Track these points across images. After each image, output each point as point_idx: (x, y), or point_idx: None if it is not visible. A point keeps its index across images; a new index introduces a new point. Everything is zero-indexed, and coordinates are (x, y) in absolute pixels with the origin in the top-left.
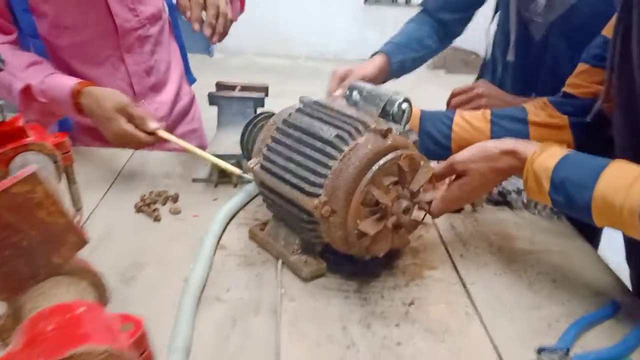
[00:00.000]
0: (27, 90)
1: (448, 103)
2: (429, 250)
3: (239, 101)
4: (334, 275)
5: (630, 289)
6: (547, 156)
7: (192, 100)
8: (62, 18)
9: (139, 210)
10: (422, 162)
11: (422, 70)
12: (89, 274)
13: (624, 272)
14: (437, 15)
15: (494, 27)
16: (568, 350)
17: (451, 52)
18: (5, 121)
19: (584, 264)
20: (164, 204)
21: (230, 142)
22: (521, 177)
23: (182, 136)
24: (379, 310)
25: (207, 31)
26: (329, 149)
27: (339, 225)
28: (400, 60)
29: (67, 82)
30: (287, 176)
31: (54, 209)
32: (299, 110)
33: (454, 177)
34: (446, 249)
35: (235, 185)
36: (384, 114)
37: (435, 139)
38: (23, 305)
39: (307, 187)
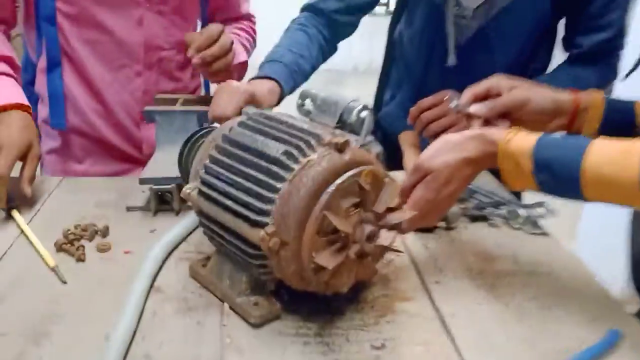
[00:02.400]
0: None
1: (413, 118)
2: (400, 278)
3: (181, 116)
4: (290, 316)
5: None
6: (522, 136)
7: None
8: (92, 9)
9: (59, 249)
10: (386, 179)
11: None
12: None
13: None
14: (333, 16)
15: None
16: None
17: None
18: None
19: (575, 285)
20: (91, 239)
21: (170, 163)
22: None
23: None
24: (344, 357)
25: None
26: (275, 169)
27: (292, 259)
28: (290, 87)
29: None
30: (229, 203)
31: None
32: (241, 124)
33: None
34: (420, 275)
35: (177, 213)
36: (342, 124)
37: None
38: None
39: (251, 216)
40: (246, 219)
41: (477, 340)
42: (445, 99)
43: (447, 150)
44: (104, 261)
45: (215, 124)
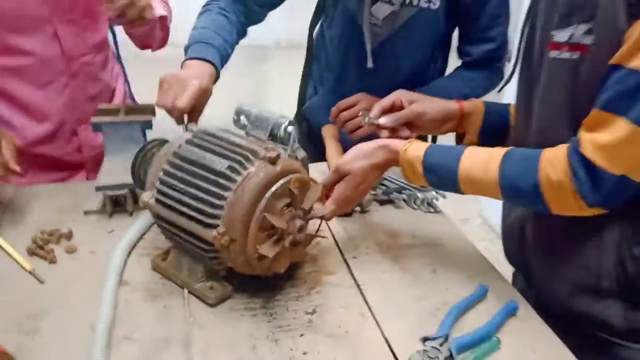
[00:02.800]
0: None
1: (334, 117)
2: (326, 256)
3: (126, 126)
4: (240, 295)
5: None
6: (415, 147)
7: None
8: (7, 38)
9: (32, 253)
10: (311, 182)
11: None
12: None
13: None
14: (250, 5)
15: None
16: (447, 336)
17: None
18: None
19: (459, 252)
20: (57, 242)
21: (121, 170)
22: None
23: None
24: (285, 323)
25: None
26: (222, 181)
27: (240, 251)
28: (220, 70)
29: None
30: (184, 209)
31: None
32: (189, 141)
33: None
34: (341, 252)
35: (131, 214)
36: (272, 136)
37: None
38: None
39: (204, 219)
40: (199, 222)
41: (384, 300)
42: (359, 115)
43: (361, 157)
44: (73, 261)
45: (160, 137)
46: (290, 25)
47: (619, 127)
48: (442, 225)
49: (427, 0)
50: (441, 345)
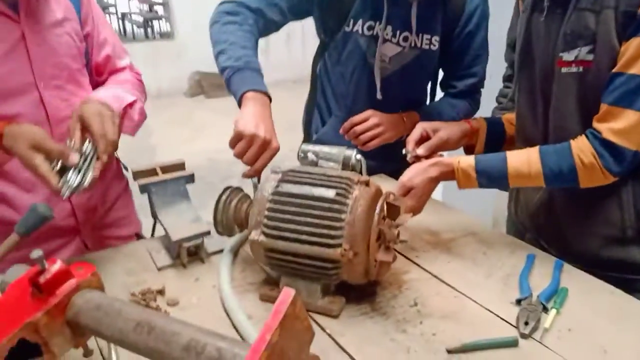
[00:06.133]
0: None
1: (346, 131)
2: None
3: (173, 183)
4: (348, 305)
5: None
6: (465, 159)
7: (126, 186)
8: None
9: None
10: (393, 196)
11: (181, 100)
12: None
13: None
14: (269, 14)
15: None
16: (531, 294)
17: (204, 77)
18: (48, 269)
19: (490, 235)
20: (155, 300)
21: (187, 222)
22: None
23: (115, 223)
24: (401, 317)
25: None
26: (336, 206)
27: (361, 262)
28: None
29: None
30: (304, 237)
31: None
32: (284, 180)
33: None
34: (404, 255)
35: (203, 261)
36: (344, 167)
37: None
38: None
39: (328, 241)
40: (323, 244)
41: (464, 283)
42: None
43: (420, 173)
44: (184, 311)
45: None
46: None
47: (630, 116)
48: (460, 217)
49: (428, 42)
50: (533, 301)
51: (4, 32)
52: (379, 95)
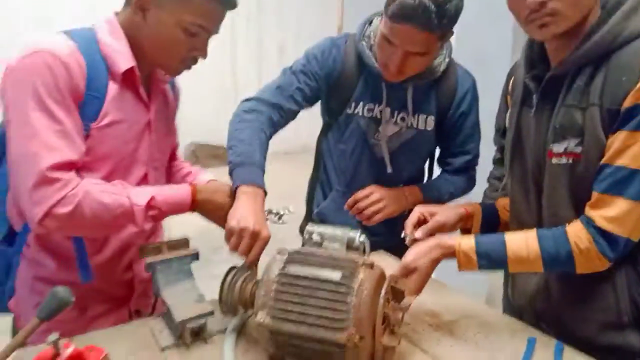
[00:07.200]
0: (151, 202)
1: (350, 206)
2: None
3: (178, 261)
4: None
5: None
6: (465, 241)
7: None
8: (112, 177)
9: None
10: (396, 279)
11: None
12: None
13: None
14: (287, 105)
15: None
16: None
17: (199, 147)
18: (62, 353)
19: (488, 316)
20: None
21: (190, 301)
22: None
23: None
24: None
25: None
26: (343, 289)
27: (366, 346)
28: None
29: (181, 185)
30: (310, 320)
31: None
32: (289, 261)
33: None
34: (408, 339)
35: (206, 341)
36: (349, 248)
37: None
38: None
39: (335, 324)
40: (328, 327)
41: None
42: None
43: (422, 255)
44: None
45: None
46: None
47: (621, 204)
48: (457, 297)
49: (424, 122)
50: None
51: (140, 115)
52: (389, 169)
